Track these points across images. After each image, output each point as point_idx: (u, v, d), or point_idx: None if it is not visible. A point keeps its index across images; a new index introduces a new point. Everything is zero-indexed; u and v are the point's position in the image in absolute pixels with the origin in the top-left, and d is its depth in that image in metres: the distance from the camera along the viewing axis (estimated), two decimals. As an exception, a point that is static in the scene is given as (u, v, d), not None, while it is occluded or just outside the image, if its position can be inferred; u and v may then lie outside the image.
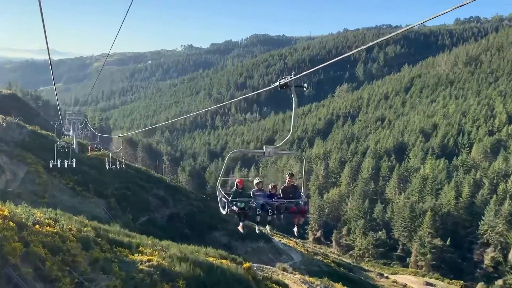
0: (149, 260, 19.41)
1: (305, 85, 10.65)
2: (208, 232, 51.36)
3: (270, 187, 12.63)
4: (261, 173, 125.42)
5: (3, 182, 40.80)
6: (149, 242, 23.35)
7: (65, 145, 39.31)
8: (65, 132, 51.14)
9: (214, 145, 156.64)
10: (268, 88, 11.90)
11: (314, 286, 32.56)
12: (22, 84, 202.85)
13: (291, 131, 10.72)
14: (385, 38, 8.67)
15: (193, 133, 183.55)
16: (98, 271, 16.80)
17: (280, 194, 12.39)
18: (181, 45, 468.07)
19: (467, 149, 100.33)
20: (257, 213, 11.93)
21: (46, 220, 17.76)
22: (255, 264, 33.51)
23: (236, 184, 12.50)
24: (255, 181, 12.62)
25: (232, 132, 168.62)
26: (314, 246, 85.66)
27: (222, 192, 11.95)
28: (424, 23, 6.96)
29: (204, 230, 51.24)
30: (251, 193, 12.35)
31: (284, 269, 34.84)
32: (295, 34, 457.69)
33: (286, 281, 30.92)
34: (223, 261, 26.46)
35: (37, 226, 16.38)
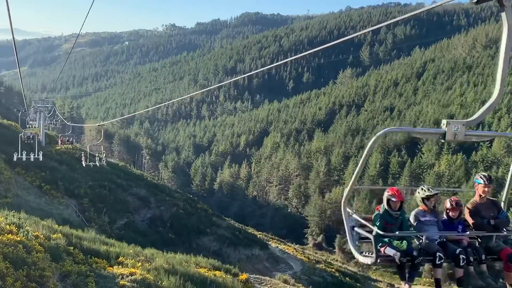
0: (131, 274, 18.27)
1: None
2: (196, 237, 50.30)
3: (448, 205, 8.63)
4: (254, 169, 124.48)
5: (-44, 180, 39.41)
6: (130, 251, 22.22)
7: (31, 136, 38.13)
8: (30, 122, 49.85)
9: (200, 137, 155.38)
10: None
11: (321, 300, 31.65)
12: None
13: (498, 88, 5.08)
14: (395, 20, 7.85)
15: (176, 124, 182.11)
16: (71, 287, 15.65)
17: (466, 221, 8.45)
18: (163, 25, 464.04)
19: (488, 143, 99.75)
20: (436, 261, 7.84)
21: (8, 226, 16.56)
22: (251, 276, 32.55)
23: (390, 200, 8.28)
24: (420, 193, 8.64)
25: (221, 123, 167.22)
26: (315, 253, 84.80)
27: (356, 216, 8.12)
28: (442, 3, 6.33)
29: (192, 235, 50.18)
30: (413, 218, 8.63)
31: (286, 281, 33.89)
32: (291, 13, 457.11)
33: (289, 295, 29.99)
34: (216, 272, 25.42)
35: (-4, 234, 15.19)
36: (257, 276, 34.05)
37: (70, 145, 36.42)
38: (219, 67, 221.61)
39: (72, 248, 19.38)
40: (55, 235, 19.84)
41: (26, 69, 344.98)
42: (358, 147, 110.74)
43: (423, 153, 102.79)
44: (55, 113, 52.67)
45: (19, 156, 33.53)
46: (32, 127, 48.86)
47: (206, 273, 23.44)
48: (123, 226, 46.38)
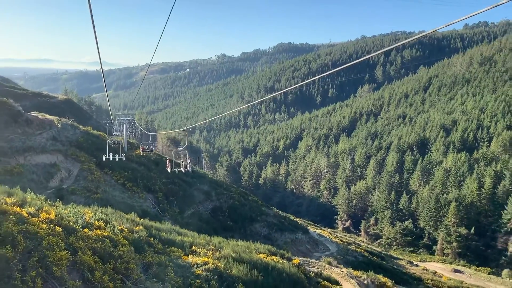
0: (204, 263, 16.14)
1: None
2: (249, 224, 48.09)
3: None
4: (291, 167, 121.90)
5: (58, 179, 38.39)
6: (202, 241, 20.07)
7: (116, 142, 36.97)
8: (115, 132, 48.64)
9: (247, 142, 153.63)
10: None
11: (362, 280, 28.82)
12: (77, 92, 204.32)
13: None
14: (401, 43, 7.72)
15: (228, 132, 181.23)
16: (153, 277, 13.59)
17: None
18: (215, 55, 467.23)
19: (487, 143, 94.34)
20: None
21: (96, 222, 14.66)
22: (300, 258, 30.05)
23: None
24: None
25: (263, 131, 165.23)
26: (344, 235, 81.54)
27: None
28: (437, 30, 6.44)
29: (246, 222, 47.99)
30: None
31: (329, 263, 31.16)
32: (317, 42, 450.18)
33: (333, 275, 27.29)
34: (274, 258, 23.06)
35: (86, 230, 13.25)
36: (305, 259, 31.47)
37: (150, 153, 34.49)
38: (260, 86, 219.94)
39: (152, 239, 17.39)
40: (137, 227, 17.90)
41: (111, 92, 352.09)
42: (377, 148, 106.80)
43: (432, 152, 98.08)
44: (135, 125, 51.06)
45: (107, 157, 32.59)
46: (116, 137, 47.73)
47: (266, 259, 21.15)
48: (190, 215, 44.60)
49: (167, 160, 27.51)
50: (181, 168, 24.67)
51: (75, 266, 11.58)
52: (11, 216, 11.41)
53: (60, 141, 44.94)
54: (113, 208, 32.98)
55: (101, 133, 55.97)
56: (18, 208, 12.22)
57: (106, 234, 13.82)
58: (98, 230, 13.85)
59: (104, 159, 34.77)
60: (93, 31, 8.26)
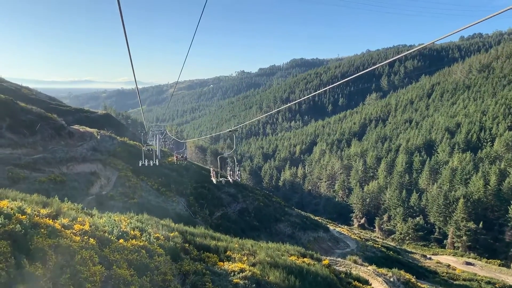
0: (241, 270, 14.15)
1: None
2: (274, 224, 45.99)
3: None
4: (307, 170, 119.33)
5: (98, 186, 37.04)
6: (236, 245, 18.05)
7: (150, 149, 35.69)
8: (149, 142, 47.35)
9: (266, 148, 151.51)
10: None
11: (388, 278, 26.38)
12: (115, 108, 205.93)
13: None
14: (404, 54, 7.39)
15: (249, 140, 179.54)
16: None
17: None
18: (235, 71, 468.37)
19: (490, 143, 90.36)
20: None
21: (132, 231, 12.81)
22: (329, 258, 27.80)
23: None
24: None
25: (281, 138, 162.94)
26: (360, 232, 78.59)
27: None
28: (434, 42, 6.57)
29: (271, 222, 45.89)
30: None
31: (355, 261, 28.80)
32: (326, 57, 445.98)
33: (362, 274, 24.95)
34: (305, 259, 20.92)
35: (121, 241, 11.40)
36: (332, 258, 29.17)
37: (184, 161, 32.27)
38: (277, 98, 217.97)
39: (187, 245, 15.52)
40: (172, 233, 16.02)
41: (145, 107, 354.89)
42: (387, 150, 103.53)
43: (438, 153, 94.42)
44: (167, 134, 49.68)
45: (143, 163, 31.55)
46: (150, 145, 46.40)
47: (298, 261, 19.05)
48: (219, 216, 42.77)
49: (212, 171, 21.64)
50: (229, 178, 17.68)
51: (110, 280, 9.72)
52: (43, 230, 9.63)
53: (99, 151, 43.73)
54: (148, 212, 31.33)
55: (137, 143, 54.79)
56: (51, 220, 10.44)
57: (142, 244, 11.94)
58: (134, 240, 12.00)
59: (140, 164, 33.90)
60: (128, 55, 8.38)
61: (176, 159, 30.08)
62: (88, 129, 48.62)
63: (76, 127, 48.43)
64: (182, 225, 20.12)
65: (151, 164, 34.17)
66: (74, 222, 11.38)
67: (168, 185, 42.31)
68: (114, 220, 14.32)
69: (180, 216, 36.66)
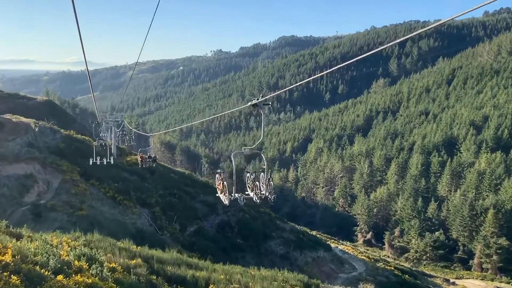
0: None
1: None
2: (262, 241, 44.46)
3: None
4: (300, 173, 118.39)
5: (35, 193, 34.93)
6: (221, 276, 16.31)
7: (104, 144, 33.91)
8: (102, 136, 45.25)
9: (250, 146, 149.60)
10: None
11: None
12: (60, 94, 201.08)
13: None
14: (418, 32, 7.11)
15: (228, 135, 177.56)
16: None
17: None
18: (211, 51, 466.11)
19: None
20: None
21: (76, 262, 10.97)
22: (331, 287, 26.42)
23: None
24: None
25: (267, 133, 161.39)
26: (366, 249, 77.94)
27: None
28: (454, 18, 6.16)
29: (259, 240, 44.37)
30: None
31: (370, 291, 27.50)
32: (322, 35, 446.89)
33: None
34: (310, 291, 19.40)
35: (60, 277, 9.56)
36: None
37: (152, 164, 29.10)
38: (262, 83, 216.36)
39: (155, 277, 13.74)
40: (134, 261, 14.21)
41: (97, 94, 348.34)
42: (398, 149, 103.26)
43: (461, 152, 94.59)
44: (125, 127, 47.54)
45: (94, 161, 29.93)
46: (103, 140, 44.34)
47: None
48: (194, 232, 41.14)
49: (220, 182, 13.40)
50: (252, 194, 12.50)
51: None
52: None
53: (38, 148, 41.46)
54: (101, 229, 29.31)
55: (86, 137, 52.62)
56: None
57: (90, 281, 10.13)
58: (79, 275, 10.18)
59: (91, 163, 32.60)
60: (77, 28, 8.22)
61: (141, 161, 27.63)
62: (23, 119, 46.26)
63: (7, 116, 45.96)
64: (146, 247, 18.31)
65: (105, 163, 32.66)
66: (-11, 250, 9.50)
67: (127, 193, 40.43)
68: (51, 245, 12.45)
69: (142, 233, 34.86)
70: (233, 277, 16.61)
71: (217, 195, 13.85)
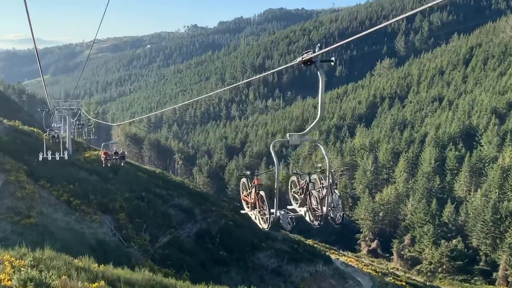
0: None
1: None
2: (250, 253, 43.80)
3: None
4: (292, 170, 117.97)
5: (-29, 198, 33.55)
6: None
7: (55, 136, 33.01)
8: (53, 125, 44.11)
9: (232, 139, 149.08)
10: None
11: None
12: (3, 78, 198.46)
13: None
14: (430, 4, 7.18)
15: (206, 126, 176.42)
16: None
17: None
18: (184, 26, 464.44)
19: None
20: None
21: (21, 291, 9.95)
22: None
23: None
24: None
25: (253, 123, 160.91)
26: (372, 261, 77.89)
27: None
28: None
29: (245, 251, 43.68)
30: None
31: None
32: (316, 7, 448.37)
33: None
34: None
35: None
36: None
37: (121, 161, 27.68)
38: (246, 64, 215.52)
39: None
40: (96, 284, 13.25)
41: (48, 77, 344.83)
42: (408, 141, 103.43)
43: (482, 145, 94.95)
44: (81, 117, 46.39)
45: (44, 156, 29.05)
46: (56, 131, 43.15)
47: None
48: (167, 244, 40.18)
49: (251, 192, 9.42)
50: (306, 215, 9.59)
51: None
52: None
53: (-26, 142, 40.11)
54: (53, 241, 28.22)
55: (35, 129, 51.36)
56: None
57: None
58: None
59: (40, 158, 32.49)
60: None
61: (105, 158, 26.33)
62: (-45, 107, 44.69)
63: None
64: (111, 266, 17.30)
65: (57, 159, 31.91)
66: None
67: (85, 196, 39.29)
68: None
69: (104, 245, 33.87)
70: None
71: (243, 212, 10.45)
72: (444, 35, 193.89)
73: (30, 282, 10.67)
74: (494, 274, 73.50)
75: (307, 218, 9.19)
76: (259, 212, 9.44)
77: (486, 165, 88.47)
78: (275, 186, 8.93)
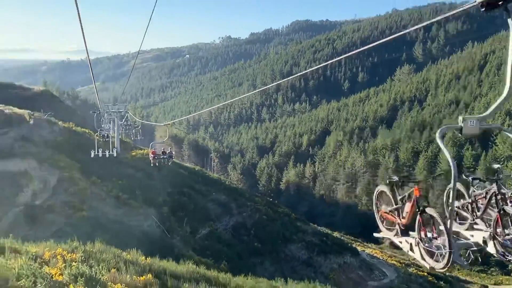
0: None
1: None
2: (282, 245, 42.68)
3: None
4: (318, 168, 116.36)
5: (30, 192, 33.38)
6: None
7: (106, 135, 32.87)
8: (104, 127, 43.75)
9: (262, 139, 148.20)
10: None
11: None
12: (59, 85, 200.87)
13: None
14: (447, 15, 6.86)
15: (239, 128, 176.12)
16: None
17: None
18: (219, 37, 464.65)
19: None
20: None
21: (71, 287, 9.14)
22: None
23: None
24: None
25: (281, 125, 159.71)
26: (393, 252, 75.94)
27: None
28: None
29: (278, 243, 42.60)
30: None
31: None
32: (339, 18, 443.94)
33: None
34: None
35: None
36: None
37: (168, 161, 26.26)
38: (275, 71, 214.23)
39: (168, 299, 12.03)
40: (144, 277, 12.43)
41: (99, 84, 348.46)
42: (427, 141, 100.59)
43: (497, 145, 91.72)
44: (128, 119, 45.92)
45: (96, 153, 28.76)
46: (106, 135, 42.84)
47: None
48: (206, 236, 39.48)
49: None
50: (493, 244, 6.15)
51: None
52: None
53: (33, 142, 39.98)
54: (103, 232, 27.69)
55: (87, 130, 51.24)
56: None
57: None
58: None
59: (92, 155, 31.88)
60: (77, 14, 8.39)
61: (153, 158, 25.30)
62: (16, 110, 44.78)
63: (-1, 107, 44.51)
64: (157, 259, 16.51)
65: (107, 155, 31.66)
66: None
67: (132, 191, 38.84)
68: (42, 260, 10.69)
69: (149, 237, 33.25)
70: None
71: (379, 235, 7.55)
72: (459, 43, 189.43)
73: (80, 277, 9.90)
74: (510, 266, 70.80)
75: (491, 249, 6.30)
76: (423, 240, 6.39)
77: (501, 163, 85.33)
78: (449, 200, 5.93)
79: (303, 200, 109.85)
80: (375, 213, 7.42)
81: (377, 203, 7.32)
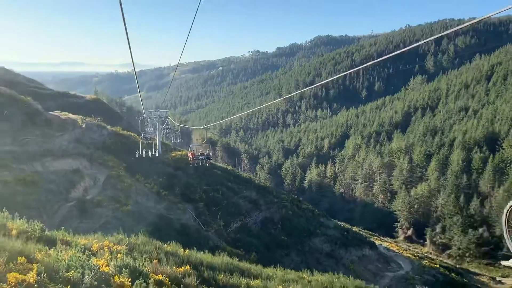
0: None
1: None
2: (307, 238, 41.91)
3: None
4: (338, 169, 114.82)
5: (82, 188, 33.39)
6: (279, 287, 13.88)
7: (149, 138, 33.30)
8: (147, 131, 43.72)
9: (287, 142, 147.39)
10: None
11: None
12: (108, 94, 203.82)
13: None
14: (455, 29, 7.13)
15: (266, 132, 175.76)
16: None
17: None
18: (249, 51, 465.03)
19: None
20: None
21: (117, 278, 8.75)
22: None
23: None
24: None
25: (305, 129, 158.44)
26: (408, 246, 74.24)
27: None
28: (490, 16, 5.89)
29: (303, 237, 41.84)
30: None
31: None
32: (357, 34, 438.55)
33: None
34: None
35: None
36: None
37: (206, 162, 25.80)
38: (299, 81, 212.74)
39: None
40: (183, 268, 11.98)
41: (143, 93, 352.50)
42: (439, 145, 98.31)
43: (504, 148, 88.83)
44: (168, 124, 45.86)
45: (140, 153, 29.01)
46: (149, 137, 42.93)
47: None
48: (237, 229, 38.91)
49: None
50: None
51: None
52: None
53: (84, 144, 40.19)
54: (146, 224, 27.56)
55: (132, 133, 51.36)
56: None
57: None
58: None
59: (137, 155, 31.67)
60: (125, 32, 8.74)
61: (192, 159, 24.87)
62: (71, 115, 45.15)
63: (56, 113, 44.96)
64: (194, 251, 16.07)
65: (150, 155, 31.71)
66: (12, 265, 7.38)
67: (172, 188, 38.65)
68: (90, 251, 10.35)
69: (187, 229, 32.94)
70: (291, 285, 14.18)
71: (505, 264, 5.91)
72: (468, 55, 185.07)
73: (125, 268, 9.49)
74: (517, 260, 68.33)
75: None
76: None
77: (508, 165, 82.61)
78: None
79: (324, 197, 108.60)
80: (504, 233, 5.71)
81: (508, 221, 5.66)
